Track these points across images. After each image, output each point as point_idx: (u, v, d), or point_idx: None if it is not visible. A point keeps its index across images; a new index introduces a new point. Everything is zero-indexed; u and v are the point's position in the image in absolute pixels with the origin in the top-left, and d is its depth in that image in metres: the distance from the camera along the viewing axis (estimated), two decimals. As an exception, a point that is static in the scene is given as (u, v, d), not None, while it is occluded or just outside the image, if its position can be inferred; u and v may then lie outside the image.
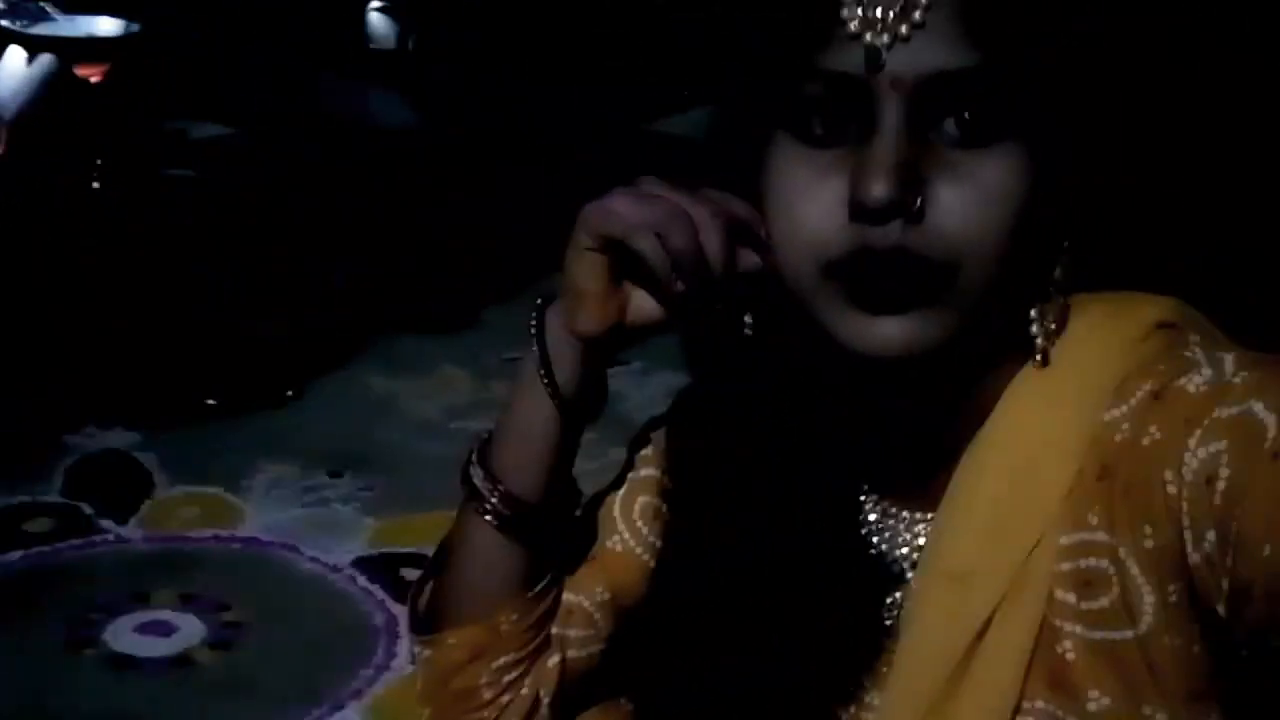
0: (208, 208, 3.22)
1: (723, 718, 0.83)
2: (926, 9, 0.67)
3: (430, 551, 0.89)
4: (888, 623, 0.79)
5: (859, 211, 0.68)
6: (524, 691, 0.84)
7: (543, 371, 0.78)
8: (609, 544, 0.88)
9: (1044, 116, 0.70)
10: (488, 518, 0.81)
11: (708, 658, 0.83)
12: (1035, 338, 0.74)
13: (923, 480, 0.78)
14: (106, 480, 2.48)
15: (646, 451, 0.89)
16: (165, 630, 2.07)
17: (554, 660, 0.85)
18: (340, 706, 1.92)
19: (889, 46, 0.67)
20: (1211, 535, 0.65)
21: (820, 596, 0.80)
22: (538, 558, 0.83)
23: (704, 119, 0.83)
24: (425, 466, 2.51)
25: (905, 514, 0.80)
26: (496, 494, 0.81)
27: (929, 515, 0.78)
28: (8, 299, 2.77)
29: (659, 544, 0.87)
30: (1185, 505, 0.67)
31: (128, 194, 3.16)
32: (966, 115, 0.68)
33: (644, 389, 2.61)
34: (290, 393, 2.82)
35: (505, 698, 0.84)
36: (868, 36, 0.68)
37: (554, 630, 0.85)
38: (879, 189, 0.67)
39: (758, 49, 0.73)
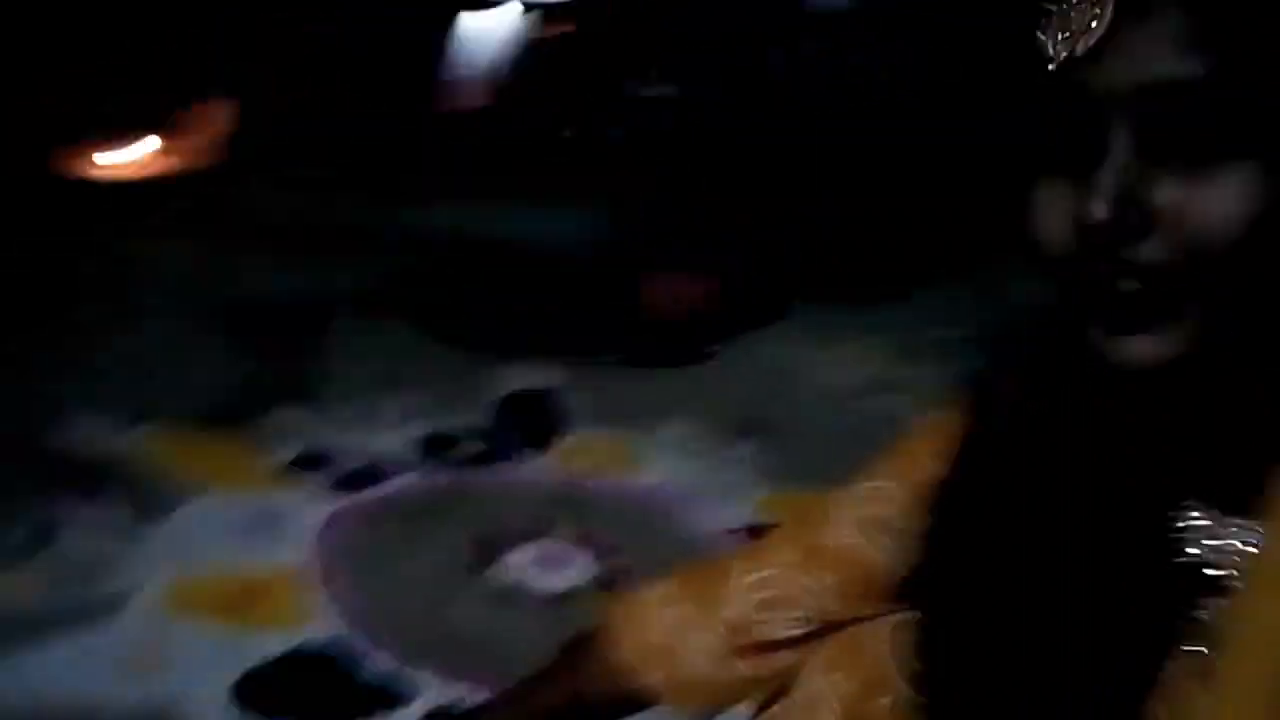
0: (651, 162, 3.34)
1: None
2: (1145, 17, 0.66)
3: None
4: (1195, 637, 0.74)
5: (1083, 232, 0.68)
6: None
7: None
8: (840, 539, 0.92)
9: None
10: None
11: (988, 660, 0.81)
12: None
13: (1253, 489, 0.73)
14: (529, 416, 2.63)
15: (882, 466, 0.92)
16: (560, 564, 2.17)
17: None
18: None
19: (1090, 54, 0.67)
20: None
21: (1119, 601, 0.76)
22: None
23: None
24: (821, 440, 2.51)
25: (1235, 522, 0.75)
26: None
27: (1260, 525, 0.73)
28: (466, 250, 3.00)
29: (898, 546, 0.89)
30: None
31: (585, 144, 3.34)
32: (1195, 128, 0.66)
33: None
34: (712, 350, 2.87)
35: None
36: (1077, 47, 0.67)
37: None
38: (1098, 210, 0.67)
39: None
